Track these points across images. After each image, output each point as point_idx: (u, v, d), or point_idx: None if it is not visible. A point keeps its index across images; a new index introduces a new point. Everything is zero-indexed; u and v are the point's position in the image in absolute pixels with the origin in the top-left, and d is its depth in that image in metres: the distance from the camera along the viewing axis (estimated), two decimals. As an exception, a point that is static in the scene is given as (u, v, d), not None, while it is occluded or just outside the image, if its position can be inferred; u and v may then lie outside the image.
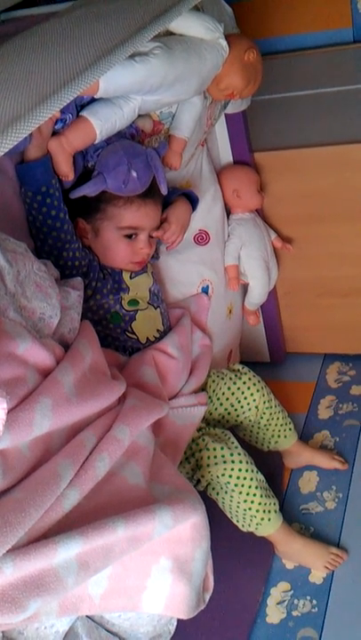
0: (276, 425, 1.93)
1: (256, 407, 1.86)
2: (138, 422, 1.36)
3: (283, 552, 1.76)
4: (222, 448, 1.64)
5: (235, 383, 1.85)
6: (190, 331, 1.86)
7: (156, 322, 1.75)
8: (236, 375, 1.87)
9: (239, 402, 1.85)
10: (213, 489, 1.67)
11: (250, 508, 1.65)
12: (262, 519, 1.66)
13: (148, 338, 1.72)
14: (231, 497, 1.64)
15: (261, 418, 1.89)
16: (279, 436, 1.94)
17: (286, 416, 1.96)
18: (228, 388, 1.84)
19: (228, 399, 1.84)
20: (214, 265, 2.05)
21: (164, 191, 1.66)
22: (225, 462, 1.63)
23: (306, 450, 2.02)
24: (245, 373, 1.87)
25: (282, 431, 1.94)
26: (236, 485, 1.62)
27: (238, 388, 1.85)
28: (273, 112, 2.27)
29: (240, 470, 1.63)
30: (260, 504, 1.65)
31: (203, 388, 1.82)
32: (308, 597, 1.69)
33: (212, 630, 1.59)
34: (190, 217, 1.85)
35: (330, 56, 2.51)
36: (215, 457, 1.63)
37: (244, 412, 1.86)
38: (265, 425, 1.91)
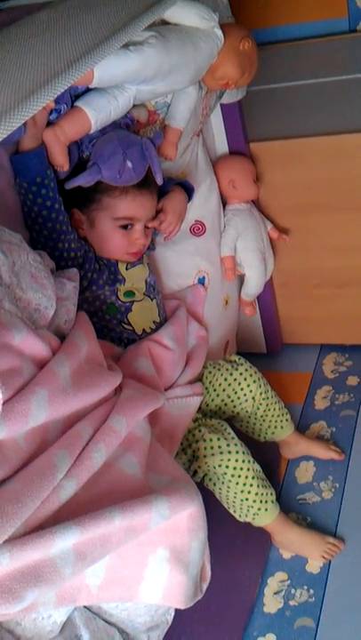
0: (272, 416, 1.93)
1: (253, 398, 1.86)
2: (134, 413, 1.36)
3: (280, 542, 1.76)
4: (219, 439, 1.65)
5: (231, 374, 1.85)
6: (186, 322, 1.86)
7: (152, 313, 1.75)
8: (232, 366, 1.87)
9: (236, 393, 1.85)
10: (210, 480, 1.67)
11: (247, 499, 1.65)
12: (259, 509, 1.67)
13: (144, 329, 1.72)
14: (228, 487, 1.64)
15: (258, 409, 1.89)
16: (276, 427, 1.94)
17: (283, 407, 1.96)
18: (225, 380, 1.84)
19: (224, 390, 1.84)
20: (210, 256, 2.04)
21: (159, 181, 1.65)
22: (221, 453, 1.63)
23: (302, 440, 2.02)
24: (242, 364, 1.87)
25: (278, 422, 1.94)
26: (232, 476, 1.62)
27: (235, 379, 1.85)
28: (269, 102, 2.27)
29: (237, 461, 1.63)
30: (256, 494, 1.65)
31: (199, 379, 1.82)
32: (305, 587, 1.70)
33: (210, 620, 1.59)
34: (186, 206, 1.84)
35: (326, 46, 2.51)
36: (212, 447, 1.64)
37: (240, 403, 1.86)
38: (261, 416, 1.91)
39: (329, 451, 2.02)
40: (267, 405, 1.90)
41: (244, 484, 1.64)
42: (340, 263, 2.28)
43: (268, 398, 1.90)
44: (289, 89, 2.32)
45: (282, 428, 1.96)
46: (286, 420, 1.97)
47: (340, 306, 2.37)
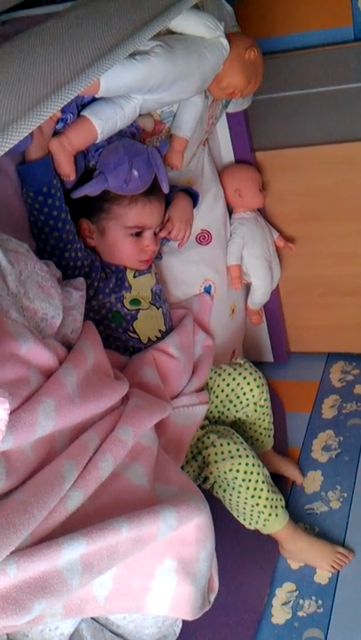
0: (260, 427, 1.92)
1: (255, 403, 1.85)
2: (141, 423, 1.35)
3: (288, 551, 1.75)
4: (228, 444, 1.65)
5: (234, 379, 1.84)
6: (192, 331, 1.85)
7: (158, 322, 1.75)
8: (235, 369, 1.85)
9: (238, 397, 1.84)
10: (220, 486, 1.66)
11: (257, 504, 1.64)
12: (270, 515, 1.66)
13: (149, 338, 1.71)
14: (239, 493, 1.63)
15: (255, 411, 1.88)
16: (257, 440, 1.94)
17: (271, 422, 1.95)
18: (228, 385, 1.83)
19: (227, 395, 1.83)
20: (217, 265, 2.04)
21: (165, 190, 1.65)
22: (232, 457, 1.63)
23: (275, 458, 2.00)
24: (246, 368, 1.86)
25: (263, 435, 1.94)
26: (243, 481, 1.62)
27: (238, 384, 1.84)
28: (274, 111, 2.27)
29: (247, 465, 1.63)
30: (267, 499, 1.65)
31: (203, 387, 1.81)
32: (314, 598, 1.69)
33: (218, 631, 1.58)
34: (192, 211, 1.85)
35: (331, 55, 2.51)
36: (222, 453, 1.63)
37: (242, 408, 1.85)
38: (251, 423, 1.91)
39: (294, 472, 2.00)
40: (260, 414, 1.89)
41: (255, 489, 1.63)
42: (347, 271, 2.28)
43: (263, 407, 1.89)
44: (295, 98, 2.32)
45: (262, 442, 1.95)
46: (269, 435, 1.96)
47: (347, 314, 2.36)
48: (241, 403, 1.84)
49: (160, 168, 1.62)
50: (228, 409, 1.85)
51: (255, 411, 1.87)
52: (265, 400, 1.88)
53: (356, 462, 2.02)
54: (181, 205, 1.79)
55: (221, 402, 1.84)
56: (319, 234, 2.24)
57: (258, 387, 1.85)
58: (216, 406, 1.84)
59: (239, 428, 1.93)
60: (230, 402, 1.84)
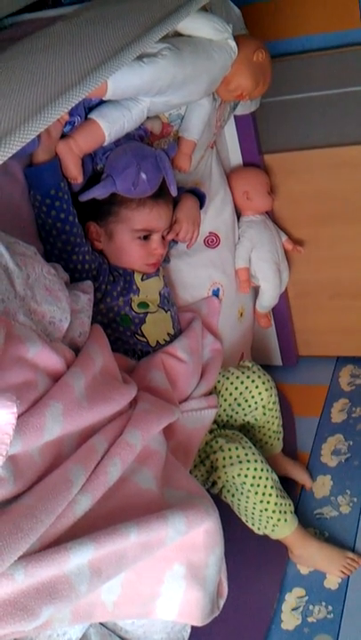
0: (269, 430, 1.91)
1: (263, 406, 1.84)
2: (149, 426, 1.34)
3: (298, 556, 1.74)
4: (237, 448, 1.64)
5: (242, 382, 1.83)
6: (201, 334, 1.85)
7: (166, 325, 1.74)
8: (243, 372, 1.85)
9: (246, 400, 1.83)
10: (228, 491, 1.65)
11: (266, 509, 1.63)
12: (279, 520, 1.65)
13: (158, 341, 1.71)
14: (247, 498, 1.62)
15: (264, 415, 1.87)
16: (266, 443, 1.93)
17: (280, 424, 1.93)
18: (236, 388, 1.83)
19: (235, 399, 1.82)
20: (225, 268, 2.04)
21: (173, 192, 1.65)
22: (240, 462, 1.62)
23: (284, 461, 1.98)
24: (254, 371, 1.85)
25: (271, 438, 1.93)
26: (252, 485, 1.61)
27: (246, 387, 1.83)
28: (283, 113, 2.26)
29: (255, 470, 1.62)
30: (276, 504, 1.63)
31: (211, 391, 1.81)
32: (324, 603, 1.67)
33: (227, 637, 1.57)
34: (199, 211, 1.84)
35: (339, 57, 2.50)
36: (230, 457, 1.63)
37: (251, 411, 1.84)
38: (260, 426, 1.89)
39: (303, 476, 1.99)
40: (269, 417, 1.88)
41: (264, 494, 1.62)
42: (356, 274, 2.27)
43: (272, 410, 1.87)
44: (303, 100, 2.31)
45: (271, 445, 1.94)
46: (278, 438, 1.95)
47: (356, 317, 2.35)
48: (250, 406, 1.83)
49: (168, 171, 1.61)
50: (237, 412, 1.84)
51: (264, 414, 1.86)
52: (274, 403, 1.87)
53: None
54: (188, 206, 1.78)
55: (230, 405, 1.83)
56: (328, 237, 2.23)
57: (266, 390, 1.83)
58: (225, 410, 1.83)
59: (248, 431, 1.92)
60: (239, 405, 1.83)
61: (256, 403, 1.83)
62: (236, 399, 1.83)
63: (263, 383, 1.84)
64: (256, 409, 1.84)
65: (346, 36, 2.53)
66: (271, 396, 1.85)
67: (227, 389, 1.83)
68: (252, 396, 1.83)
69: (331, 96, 2.30)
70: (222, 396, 1.82)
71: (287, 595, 1.71)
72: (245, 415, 1.85)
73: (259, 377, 1.84)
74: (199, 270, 1.97)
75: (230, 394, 1.83)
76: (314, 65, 2.51)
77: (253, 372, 1.85)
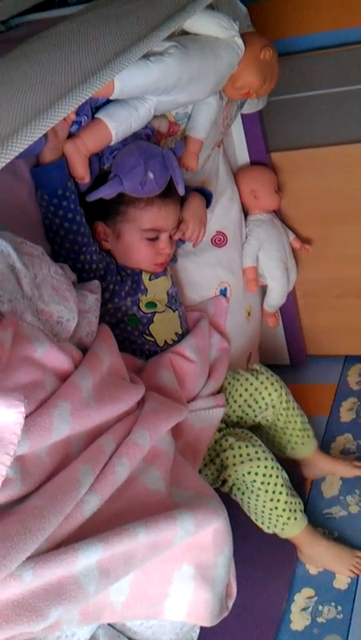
0: (293, 429, 1.88)
1: (273, 407, 1.83)
2: (157, 426, 1.34)
3: (307, 555, 1.73)
4: (247, 446, 1.63)
5: (252, 384, 1.82)
6: (208, 334, 1.84)
7: (174, 325, 1.74)
8: (253, 374, 1.84)
9: (256, 402, 1.82)
10: (239, 489, 1.65)
11: (276, 507, 1.63)
12: (288, 519, 1.64)
13: (165, 341, 1.70)
14: (257, 496, 1.62)
15: (278, 419, 1.86)
16: (296, 443, 1.89)
17: (306, 422, 1.91)
18: (245, 390, 1.82)
19: (245, 400, 1.82)
20: (232, 267, 2.03)
21: (181, 191, 1.64)
22: (250, 460, 1.61)
23: (325, 460, 1.95)
24: (263, 373, 1.85)
25: (299, 437, 1.89)
26: (262, 484, 1.61)
27: (256, 389, 1.82)
28: (289, 112, 2.25)
29: (266, 467, 1.61)
30: (286, 502, 1.63)
31: (219, 390, 1.80)
32: (333, 603, 1.66)
33: (236, 638, 1.56)
34: (206, 210, 1.83)
35: (346, 55, 2.49)
36: (240, 455, 1.62)
37: (261, 412, 1.83)
38: (282, 428, 1.88)
39: (353, 468, 1.95)
40: (287, 416, 1.86)
41: (274, 492, 1.62)
42: (364, 273, 2.26)
43: (289, 409, 1.86)
44: (310, 98, 2.30)
45: (302, 444, 1.90)
46: (308, 436, 1.91)
47: (364, 316, 2.34)
48: (260, 407, 1.83)
49: (176, 170, 1.61)
50: (247, 414, 1.83)
51: (280, 415, 1.85)
52: (287, 402, 1.85)
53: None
54: (195, 205, 1.77)
55: (240, 407, 1.82)
56: (336, 235, 2.23)
57: (276, 390, 1.83)
58: (234, 411, 1.82)
59: (269, 432, 1.89)
60: (249, 406, 1.83)
61: (266, 403, 1.83)
62: (246, 400, 1.82)
63: (272, 384, 1.83)
64: (266, 409, 1.83)
65: (353, 34, 2.52)
66: (282, 396, 1.84)
67: (237, 390, 1.82)
68: (263, 397, 1.82)
69: (338, 94, 2.29)
70: (232, 397, 1.82)
71: (296, 595, 1.71)
72: (256, 417, 1.84)
73: (267, 378, 1.83)
74: (207, 269, 1.96)
75: (240, 395, 1.82)
76: (321, 63, 2.50)
77: (262, 374, 1.84)
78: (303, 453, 1.92)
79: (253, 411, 1.83)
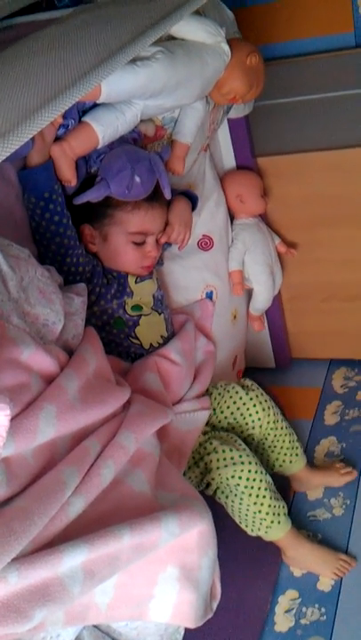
0: (281, 448, 1.86)
1: (260, 426, 1.80)
2: (143, 429, 1.35)
3: (291, 558, 1.74)
4: (231, 450, 1.63)
5: (240, 398, 1.79)
6: (194, 337, 1.85)
7: (159, 328, 1.74)
8: (243, 389, 1.81)
9: (243, 418, 1.80)
10: (223, 492, 1.65)
11: (259, 511, 1.63)
12: (272, 522, 1.65)
13: (151, 344, 1.71)
14: (241, 499, 1.62)
15: (266, 438, 1.83)
16: (284, 461, 1.88)
17: (295, 440, 1.88)
18: (234, 403, 1.79)
19: (232, 413, 1.79)
20: (218, 270, 2.04)
21: (167, 195, 1.65)
22: (234, 464, 1.61)
23: (313, 475, 1.94)
24: (253, 390, 1.81)
25: (288, 455, 1.87)
26: (245, 487, 1.61)
27: (244, 404, 1.79)
28: (276, 117, 2.27)
29: (250, 472, 1.61)
30: (269, 506, 1.63)
31: (206, 394, 1.80)
32: (317, 605, 1.67)
33: (220, 639, 1.57)
34: (191, 213, 1.83)
35: (332, 61, 2.51)
36: (224, 459, 1.62)
37: (248, 429, 1.81)
38: (270, 446, 1.85)
39: (341, 477, 1.95)
40: (275, 436, 1.84)
41: (257, 496, 1.62)
42: (349, 277, 2.27)
43: (276, 429, 1.83)
44: (296, 104, 2.32)
45: (290, 462, 1.88)
46: (296, 454, 1.88)
47: (349, 320, 2.35)
48: (247, 424, 1.80)
49: (162, 174, 1.62)
50: (234, 427, 1.81)
51: (267, 435, 1.82)
52: (274, 422, 1.82)
53: (359, 469, 2.01)
54: (180, 208, 1.78)
55: (226, 418, 1.79)
56: (321, 240, 2.24)
57: (263, 410, 1.79)
58: (220, 421, 1.80)
59: (257, 448, 1.86)
60: (235, 420, 1.80)
61: (253, 421, 1.79)
62: (232, 413, 1.79)
63: (260, 403, 1.79)
64: (253, 428, 1.80)
65: (339, 40, 2.54)
66: (269, 416, 1.81)
67: (225, 402, 1.80)
68: (250, 414, 1.79)
69: (324, 99, 2.31)
70: (220, 407, 1.80)
71: (280, 597, 1.71)
72: (242, 432, 1.81)
73: (257, 396, 1.80)
74: (193, 273, 1.97)
75: (228, 407, 1.79)
76: (307, 68, 2.52)
77: (252, 391, 1.81)
78: (292, 470, 1.90)
79: (240, 426, 1.81)
